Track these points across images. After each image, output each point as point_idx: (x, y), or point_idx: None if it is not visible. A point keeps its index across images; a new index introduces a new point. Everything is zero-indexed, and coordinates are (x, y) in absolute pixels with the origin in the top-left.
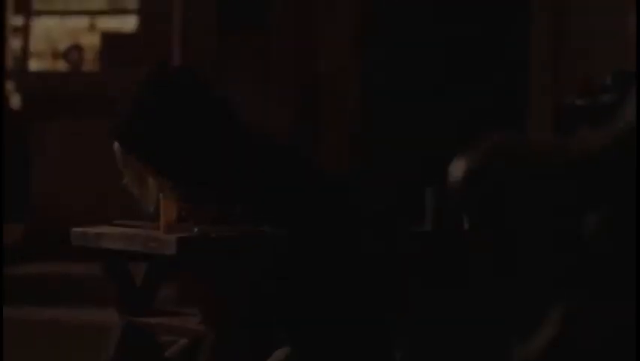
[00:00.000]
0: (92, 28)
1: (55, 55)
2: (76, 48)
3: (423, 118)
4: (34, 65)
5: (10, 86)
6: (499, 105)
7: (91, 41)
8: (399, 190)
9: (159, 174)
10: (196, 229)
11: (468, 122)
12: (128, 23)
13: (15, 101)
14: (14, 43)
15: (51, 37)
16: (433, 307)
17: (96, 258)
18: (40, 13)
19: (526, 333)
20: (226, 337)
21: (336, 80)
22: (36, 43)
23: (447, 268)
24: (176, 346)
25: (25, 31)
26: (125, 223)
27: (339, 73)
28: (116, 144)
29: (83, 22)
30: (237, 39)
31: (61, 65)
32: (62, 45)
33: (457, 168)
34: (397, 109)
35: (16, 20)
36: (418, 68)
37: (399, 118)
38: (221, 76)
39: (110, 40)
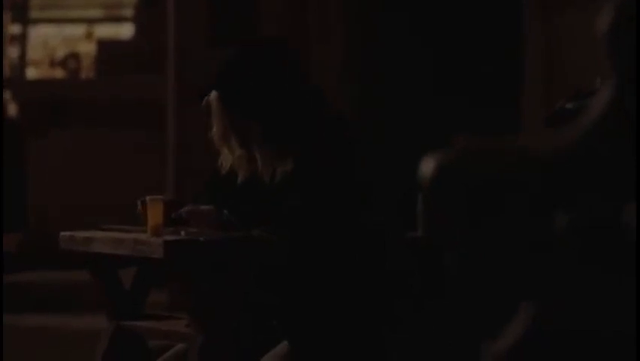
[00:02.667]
0: (88, 36)
1: (53, 63)
2: (74, 56)
3: (416, 125)
4: (31, 73)
5: (7, 94)
6: (493, 112)
7: (88, 49)
8: (393, 196)
9: (253, 126)
10: (183, 232)
11: (462, 129)
12: (125, 31)
13: (12, 109)
14: (11, 52)
15: (48, 45)
16: (425, 313)
17: (88, 264)
18: (37, 21)
19: (496, 330)
20: (213, 341)
21: (330, 87)
22: (33, 51)
23: (437, 273)
24: (167, 354)
25: (22, 40)
26: (113, 227)
27: (332, 82)
28: (214, 94)
29: (79, 30)
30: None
31: (59, 73)
32: (59, 53)
33: (426, 168)
34: (391, 117)
35: (14, 29)
36: (412, 74)
37: (392, 126)
38: None
39: (107, 47)
